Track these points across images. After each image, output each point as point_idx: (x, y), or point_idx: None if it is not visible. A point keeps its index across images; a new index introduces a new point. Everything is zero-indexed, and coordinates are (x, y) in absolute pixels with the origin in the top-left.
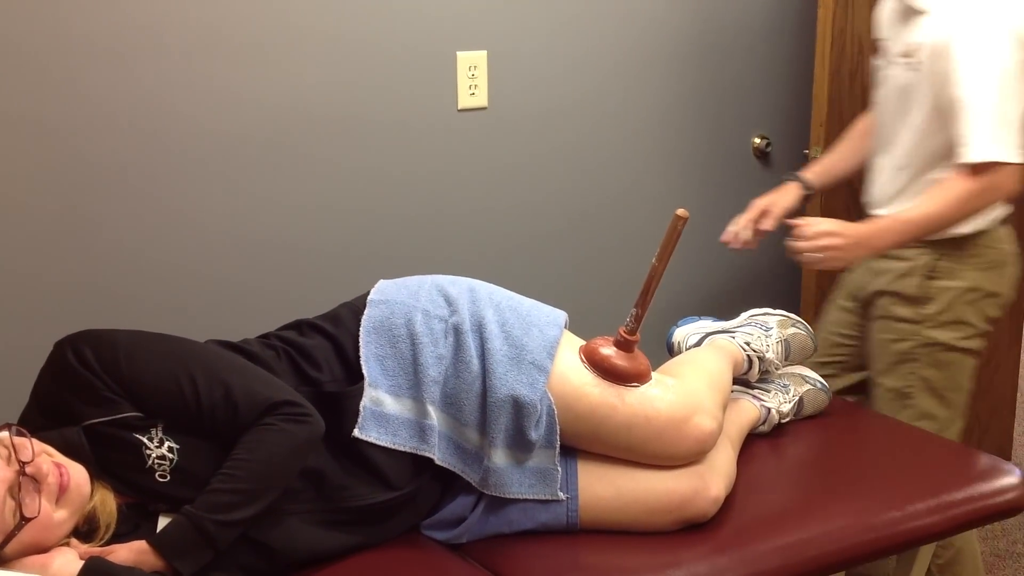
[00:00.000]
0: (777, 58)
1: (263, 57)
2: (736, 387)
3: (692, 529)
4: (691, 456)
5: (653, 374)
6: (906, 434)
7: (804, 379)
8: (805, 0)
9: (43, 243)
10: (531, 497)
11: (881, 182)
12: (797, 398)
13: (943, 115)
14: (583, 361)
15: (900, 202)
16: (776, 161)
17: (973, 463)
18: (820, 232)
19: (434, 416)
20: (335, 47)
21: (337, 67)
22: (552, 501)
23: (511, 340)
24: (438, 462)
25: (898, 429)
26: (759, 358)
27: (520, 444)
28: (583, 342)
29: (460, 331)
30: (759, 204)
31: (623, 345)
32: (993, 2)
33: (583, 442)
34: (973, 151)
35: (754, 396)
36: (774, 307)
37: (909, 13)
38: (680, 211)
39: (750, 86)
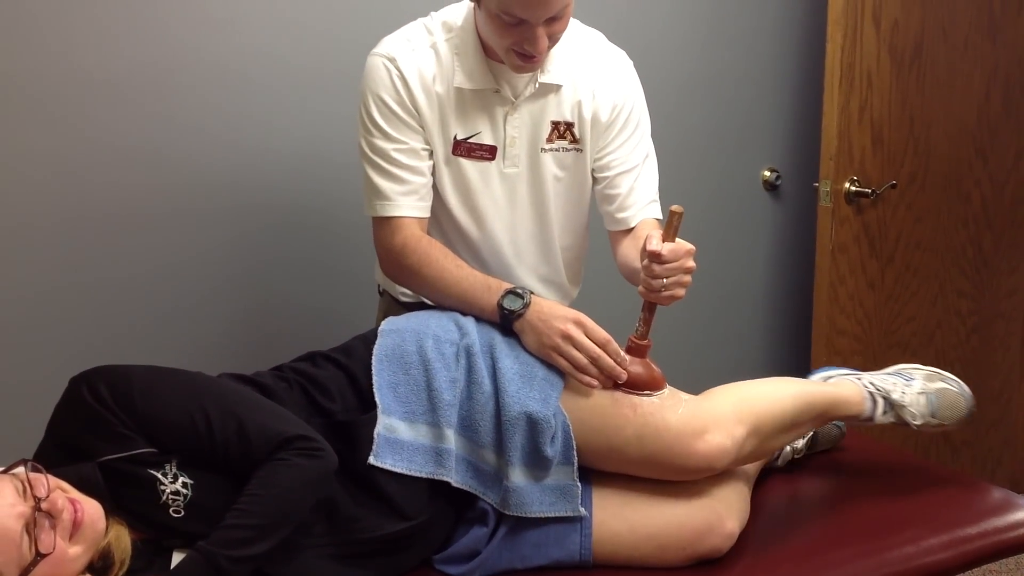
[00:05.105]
0: (786, 91)
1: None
2: None
3: (705, 566)
4: (699, 471)
5: (669, 388)
6: (919, 469)
7: None
8: (814, 35)
9: (57, 278)
10: (552, 515)
11: None
12: (811, 433)
13: None
14: None
15: None
16: (785, 194)
17: (986, 497)
18: (688, 251)
19: (451, 440)
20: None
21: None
22: (567, 525)
23: (521, 358)
24: (456, 484)
25: (912, 464)
26: (884, 397)
27: (537, 462)
28: None
29: (471, 353)
30: None
31: (635, 351)
32: None
33: (598, 458)
34: None
35: None
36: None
37: None
38: (675, 207)
39: (760, 119)
